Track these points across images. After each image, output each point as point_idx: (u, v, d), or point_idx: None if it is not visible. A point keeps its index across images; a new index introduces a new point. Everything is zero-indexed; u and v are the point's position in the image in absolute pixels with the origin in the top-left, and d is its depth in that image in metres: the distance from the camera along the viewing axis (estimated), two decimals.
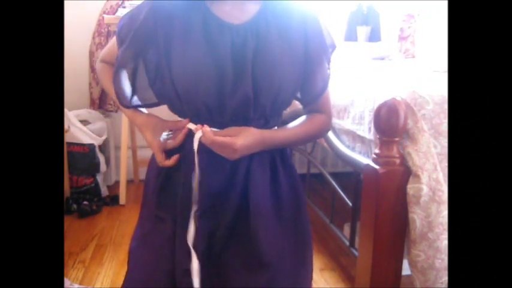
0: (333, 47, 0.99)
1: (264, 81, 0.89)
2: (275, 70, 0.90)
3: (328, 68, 0.99)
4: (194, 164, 0.91)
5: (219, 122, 0.91)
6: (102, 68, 1.06)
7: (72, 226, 2.23)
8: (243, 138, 0.89)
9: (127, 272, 0.98)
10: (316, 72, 0.98)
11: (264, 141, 0.93)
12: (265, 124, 0.94)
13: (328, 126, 1.05)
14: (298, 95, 1.02)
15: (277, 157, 0.98)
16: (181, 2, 0.91)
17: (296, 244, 1.00)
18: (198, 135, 0.90)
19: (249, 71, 0.88)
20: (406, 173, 1.28)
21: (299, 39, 0.94)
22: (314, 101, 1.01)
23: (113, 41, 1.00)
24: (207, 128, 0.89)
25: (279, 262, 0.95)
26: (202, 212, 0.92)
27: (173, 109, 0.96)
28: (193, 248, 0.92)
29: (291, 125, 1.00)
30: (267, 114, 0.93)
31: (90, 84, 2.72)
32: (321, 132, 1.06)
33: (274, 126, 0.97)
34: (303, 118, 1.02)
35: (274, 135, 0.96)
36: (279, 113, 0.98)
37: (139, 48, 0.93)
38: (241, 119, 0.91)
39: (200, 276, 0.92)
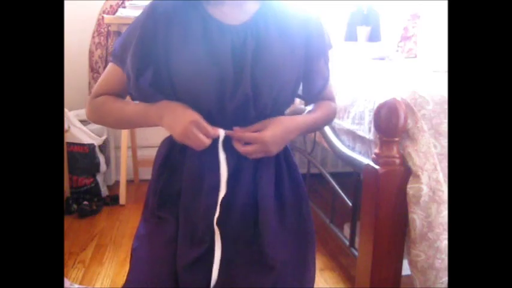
0: (330, 46, 1.01)
1: (264, 81, 0.89)
2: (275, 70, 0.90)
3: (327, 66, 1.01)
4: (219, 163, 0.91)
5: (220, 122, 0.90)
6: (104, 100, 0.96)
7: (72, 226, 2.23)
8: (271, 130, 0.90)
9: (129, 272, 0.98)
10: (317, 70, 0.99)
11: (298, 126, 0.95)
12: None
13: (335, 111, 1.08)
14: (300, 92, 1.02)
15: (281, 155, 0.99)
16: (179, 5, 0.90)
17: (300, 244, 1.00)
18: (222, 137, 0.90)
19: (248, 72, 0.88)
20: (406, 173, 1.28)
21: (300, 38, 0.94)
22: (316, 99, 1.04)
23: (108, 71, 0.97)
24: (235, 128, 0.90)
25: (284, 264, 0.95)
26: (208, 211, 0.92)
27: None
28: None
29: (307, 111, 1.03)
30: (268, 114, 0.93)
31: (90, 84, 2.72)
32: (332, 117, 1.08)
33: None
34: (313, 106, 1.04)
35: (305, 119, 0.98)
36: (280, 112, 0.98)
37: (148, 53, 0.89)
38: (242, 119, 0.92)
39: (207, 275, 0.92)
